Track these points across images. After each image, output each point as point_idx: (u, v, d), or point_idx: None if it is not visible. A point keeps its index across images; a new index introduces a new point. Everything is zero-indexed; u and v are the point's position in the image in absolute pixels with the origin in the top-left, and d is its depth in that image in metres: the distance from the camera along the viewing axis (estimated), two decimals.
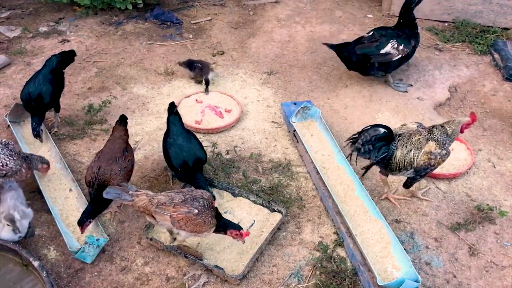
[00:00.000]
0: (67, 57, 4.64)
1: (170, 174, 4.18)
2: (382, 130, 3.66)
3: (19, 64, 5.57)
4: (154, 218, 3.35)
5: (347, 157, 3.96)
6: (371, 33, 5.14)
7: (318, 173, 4.12)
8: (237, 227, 3.37)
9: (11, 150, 3.75)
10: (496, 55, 5.80)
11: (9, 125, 4.56)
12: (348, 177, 4.10)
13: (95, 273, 3.47)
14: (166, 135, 4.01)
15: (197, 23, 6.55)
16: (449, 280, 3.49)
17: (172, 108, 4.04)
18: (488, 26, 6.28)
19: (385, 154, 3.71)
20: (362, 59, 5.04)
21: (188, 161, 3.82)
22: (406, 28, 5.09)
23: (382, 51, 4.99)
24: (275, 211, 3.87)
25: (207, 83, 5.18)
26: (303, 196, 4.08)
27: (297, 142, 4.50)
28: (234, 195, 4.01)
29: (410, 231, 3.80)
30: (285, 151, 4.54)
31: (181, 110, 4.84)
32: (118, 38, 6.14)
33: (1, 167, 3.64)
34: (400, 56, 5.03)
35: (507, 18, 6.23)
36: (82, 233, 3.53)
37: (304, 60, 5.83)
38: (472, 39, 6.09)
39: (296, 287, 3.43)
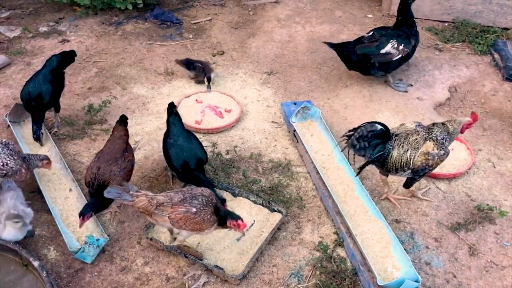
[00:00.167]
0: (68, 57, 4.65)
1: (170, 174, 4.18)
2: (379, 126, 3.62)
3: (19, 64, 5.57)
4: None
5: (341, 151, 3.90)
6: (371, 33, 5.14)
7: (318, 173, 4.12)
8: (236, 217, 3.28)
9: (11, 150, 3.75)
10: (496, 55, 5.80)
11: (9, 125, 4.56)
12: (348, 177, 4.10)
13: (95, 273, 3.47)
14: (166, 135, 4.01)
15: (197, 23, 6.55)
16: (449, 280, 3.49)
17: (172, 109, 4.04)
18: (488, 26, 6.28)
19: (380, 152, 3.68)
20: (362, 59, 5.05)
21: (189, 161, 3.82)
22: (405, 26, 5.09)
23: (382, 51, 4.99)
24: (275, 211, 3.87)
25: (209, 79, 5.19)
26: (303, 196, 4.08)
27: (297, 142, 4.50)
28: (234, 195, 4.01)
29: (410, 231, 3.80)
30: (285, 151, 4.54)
31: (181, 110, 4.84)
32: (118, 38, 6.14)
33: (2, 167, 3.64)
34: (400, 56, 5.03)
35: (507, 18, 6.23)
36: (80, 226, 3.48)
37: (304, 60, 5.83)
38: (472, 39, 6.09)
39: (296, 287, 3.43)
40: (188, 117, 4.78)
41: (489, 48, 5.94)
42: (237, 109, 4.93)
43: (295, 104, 4.81)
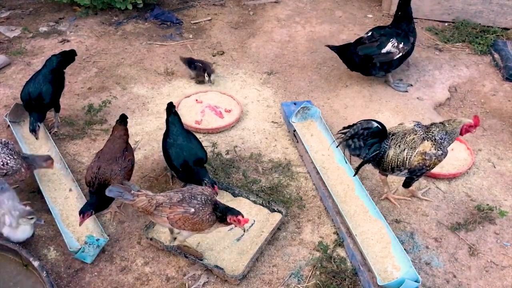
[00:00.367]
0: (68, 57, 4.64)
1: (170, 174, 4.18)
2: (375, 124, 3.60)
3: (19, 64, 5.57)
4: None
5: (336, 147, 3.85)
6: (370, 33, 5.14)
7: (318, 173, 4.12)
8: (236, 212, 3.25)
9: (11, 150, 3.76)
10: (496, 55, 5.80)
11: (9, 125, 4.56)
12: (348, 177, 4.10)
13: (95, 273, 3.47)
14: (166, 135, 4.01)
15: (197, 23, 6.55)
16: (449, 280, 3.49)
17: (171, 108, 4.04)
18: (488, 26, 6.28)
19: (376, 152, 3.67)
20: (364, 60, 5.05)
21: (188, 160, 3.83)
22: (403, 23, 5.09)
23: (384, 51, 5.00)
24: (275, 211, 3.87)
25: (209, 74, 5.22)
26: (303, 196, 4.08)
27: (297, 142, 4.50)
28: (234, 195, 4.01)
29: (410, 231, 3.80)
30: (285, 151, 4.54)
31: (181, 110, 4.85)
32: (118, 38, 6.14)
33: (2, 166, 3.65)
34: (401, 54, 5.04)
35: (507, 18, 6.23)
36: (80, 224, 3.47)
37: (304, 60, 5.83)
38: (472, 39, 6.09)
39: (296, 287, 3.43)
40: (188, 117, 4.78)
41: (489, 48, 5.94)
42: (237, 109, 4.93)
43: (295, 104, 4.81)
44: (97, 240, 3.50)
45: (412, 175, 3.74)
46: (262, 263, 3.56)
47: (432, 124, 3.72)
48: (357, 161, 3.85)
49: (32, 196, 3.96)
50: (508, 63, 5.57)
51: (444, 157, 3.68)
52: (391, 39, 5.01)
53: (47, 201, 3.83)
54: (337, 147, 3.88)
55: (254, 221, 3.81)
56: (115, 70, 5.56)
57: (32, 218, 3.43)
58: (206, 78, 5.24)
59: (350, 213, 3.83)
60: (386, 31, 5.11)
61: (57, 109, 4.57)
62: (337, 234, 3.76)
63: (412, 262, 3.47)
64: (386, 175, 3.92)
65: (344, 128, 3.70)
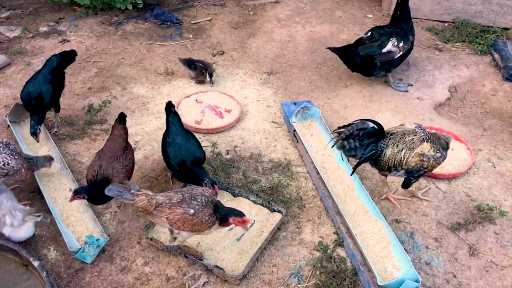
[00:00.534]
0: (68, 57, 4.64)
1: (170, 174, 4.18)
2: (371, 124, 3.59)
3: (19, 64, 5.57)
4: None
5: (332, 146, 3.82)
6: (369, 34, 5.14)
7: (318, 173, 4.12)
8: (240, 214, 3.28)
9: (12, 150, 3.76)
10: (496, 55, 5.80)
11: (9, 125, 4.56)
12: (348, 177, 4.10)
13: (95, 273, 3.47)
14: (165, 134, 4.01)
15: (197, 23, 6.55)
16: (449, 280, 3.49)
17: (170, 108, 4.04)
18: (488, 26, 6.28)
19: (372, 152, 3.66)
20: (365, 60, 5.05)
21: (186, 160, 3.82)
22: (402, 22, 5.10)
23: (384, 50, 5.00)
24: (275, 211, 3.87)
25: (211, 75, 5.22)
26: (303, 196, 4.08)
27: (297, 142, 4.50)
28: (234, 195, 4.01)
29: (410, 231, 3.80)
30: (285, 151, 4.54)
31: (181, 110, 4.85)
32: (118, 38, 6.14)
33: (3, 166, 3.65)
34: (401, 53, 5.05)
35: (507, 18, 6.23)
36: (70, 201, 3.53)
37: (304, 60, 5.83)
38: (472, 39, 6.09)
39: (296, 287, 3.43)
40: (188, 117, 4.78)
41: (489, 48, 5.94)
42: (237, 109, 4.93)
43: (295, 104, 4.81)
44: (97, 240, 3.50)
45: (410, 176, 3.73)
46: (262, 263, 3.56)
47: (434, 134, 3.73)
48: (355, 160, 3.84)
49: (32, 196, 3.96)
50: (508, 63, 5.57)
51: (443, 160, 3.68)
52: (391, 38, 5.02)
53: (47, 201, 3.83)
54: (332, 147, 3.84)
55: (254, 221, 3.81)
56: (115, 70, 5.56)
57: (39, 216, 3.46)
58: (208, 79, 5.25)
59: (350, 213, 3.83)
60: (385, 30, 5.11)
61: (57, 109, 4.57)
62: (337, 234, 3.76)
63: (412, 262, 3.47)
64: (386, 175, 3.92)
65: (340, 128, 3.69)
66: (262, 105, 5.12)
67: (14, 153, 3.75)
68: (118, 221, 3.83)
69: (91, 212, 3.80)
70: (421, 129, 3.72)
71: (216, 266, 3.43)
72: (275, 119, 4.93)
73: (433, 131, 3.92)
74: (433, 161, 3.62)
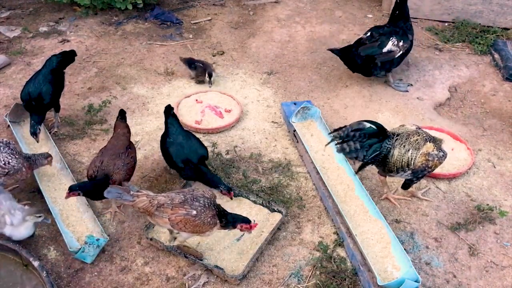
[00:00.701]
0: (67, 57, 4.64)
1: (171, 171, 4.18)
2: (367, 124, 3.58)
3: (19, 64, 5.57)
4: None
5: (326, 145, 3.79)
6: (368, 34, 5.14)
7: (318, 173, 4.12)
8: (247, 220, 3.35)
9: (12, 149, 3.77)
10: (496, 55, 5.80)
11: (9, 125, 4.56)
12: (348, 177, 4.10)
13: (95, 273, 3.47)
14: (165, 136, 4.01)
15: (197, 23, 6.55)
16: (449, 280, 3.49)
17: (169, 111, 4.05)
18: (488, 26, 6.28)
19: (376, 152, 3.66)
20: (366, 60, 5.05)
21: (190, 157, 3.83)
22: (401, 21, 5.10)
23: (385, 50, 5.00)
24: (275, 211, 3.87)
25: (210, 75, 5.22)
26: (303, 196, 4.08)
27: (297, 142, 4.50)
28: (234, 195, 4.01)
29: (410, 231, 3.80)
30: (285, 151, 4.54)
31: (181, 110, 4.86)
32: (118, 38, 6.14)
33: (4, 166, 3.65)
34: (401, 52, 5.05)
35: (507, 18, 6.23)
36: (66, 197, 3.51)
37: (304, 60, 5.83)
38: (472, 39, 6.09)
39: (296, 287, 3.43)
40: (188, 117, 4.78)
41: (489, 48, 5.94)
42: (237, 109, 4.93)
43: (295, 104, 4.81)
44: (97, 240, 3.50)
45: (414, 176, 3.73)
46: (262, 263, 3.56)
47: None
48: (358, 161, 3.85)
49: (32, 196, 3.96)
50: (508, 63, 5.57)
51: (445, 159, 3.69)
52: (391, 38, 5.02)
53: (47, 201, 3.83)
54: (326, 145, 3.78)
55: (254, 221, 3.80)
56: (115, 70, 5.56)
57: (40, 216, 3.47)
58: (207, 79, 5.25)
59: (350, 213, 3.83)
60: (384, 30, 5.11)
61: (57, 109, 4.57)
62: (337, 234, 3.76)
63: (412, 262, 3.47)
64: (385, 176, 3.92)
65: (335, 130, 3.68)
66: (262, 105, 5.12)
67: (15, 152, 3.76)
68: (118, 221, 3.83)
69: (91, 212, 3.80)
70: (421, 130, 3.75)
71: (216, 266, 3.43)
72: (275, 119, 4.93)
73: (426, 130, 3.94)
74: (437, 160, 3.63)
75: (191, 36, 6.25)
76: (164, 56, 5.83)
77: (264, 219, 3.84)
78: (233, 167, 4.32)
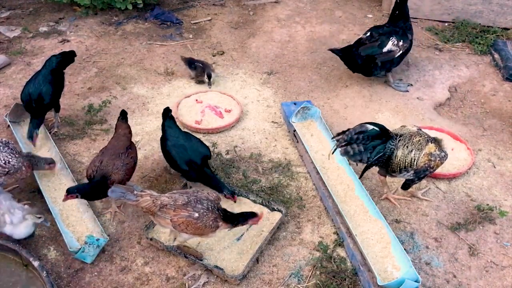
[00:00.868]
0: (67, 58, 4.64)
1: (171, 171, 4.18)
2: (369, 126, 3.59)
3: (19, 64, 5.57)
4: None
5: (332, 153, 3.80)
6: (368, 34, 5.15)
7: (318, 173, 4.12)
8: (255, 214, 3.41)
9: (11, 149, 3.77)
10: (496, 55, 5.80)
11: (9, 125, 4.56)
12: (348, 177, 4.10)
13: (95, 273, 3.47)
14: (164, 138, 3.99)
15: (197, 23, 6.55)
16: (449, 280, 3.49)
17: (167, 113, 4.04)
18: (488, 26, 6.28)
19: (380, 154, 3.67)
20: (366, 60, 5.05)
21: (193, 158, 3.82)
22: (400, 21, 5.10)
23: (385, 49, 5.01)
24: (275, 210, 3.88)
25: (209, 76, 5.22)
26: (303, 196, 4.08)
27: (297, 142, 4.50)
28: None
29: (410, 231, 3.80)
30: (285, 151, 4.54)
31: (181, 110, 4.86)
32: (118, 38, 6.14)
33: (4, 165, 3.66)
34: (401, 52, 5.05)
35: (507, 18, 6.23)
36: (63, 200, 3.53)
37: (304, 60, 5.83)
38: (472, 39, 6.09)
39: (296, 287, 3.43)
40: (188, 117, 4.78)
41: (489, 48, 5.94)
42: (237, 109, 4.93)
43: (295, 104, 4.81)
44: (97, 240, 3.50)
45: (416, 177, 3.74)
46: (262, 263, 3.56)
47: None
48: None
49: (32, 196, 3.96)
50: (508, 63, 5.57)
51: (446, 159, 3.70)
52: (391, 38, 5.02)
53: (47, 201, 3.83)
54: (332, 153, 3.80)
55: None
56: (115, 70, 5.56)
57: (40, 217, 3.46)
58: (206, 80, 5.24)
59: (350, 213, 3.83)
60: (384, 30, 5.12)
61: (57, 109, 4.57)
62: (337, 234, 3.76)
63: (412, 262, 3.47)
64: (385, 176, 3.92)
65: (338, 134, 3.69)
66: (262, 105, 5.12)
67: (14, 151, 3.77)
68: (118, 221, 3.83)
69: (91, 212, 3.80)
70: (421, 131, 3.76)
71: (216, 266, 3.43)
72: (275, 119, 4.93)
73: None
74: (438, 160, 3.64)
75: (191, 36, 6.25)
76: (164, 56, 5.83)
77: (264, 218, 3.83)
78: (233, 167, 4.32)
